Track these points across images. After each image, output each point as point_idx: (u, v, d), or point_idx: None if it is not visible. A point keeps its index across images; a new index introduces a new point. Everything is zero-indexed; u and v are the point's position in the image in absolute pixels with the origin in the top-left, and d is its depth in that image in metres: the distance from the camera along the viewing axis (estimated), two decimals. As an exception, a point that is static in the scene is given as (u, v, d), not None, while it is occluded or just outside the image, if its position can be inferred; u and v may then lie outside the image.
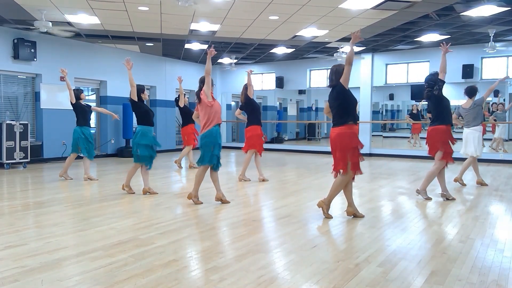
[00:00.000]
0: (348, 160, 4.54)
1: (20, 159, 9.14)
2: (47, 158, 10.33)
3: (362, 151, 4.69)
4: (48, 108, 10.42)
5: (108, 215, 4.88)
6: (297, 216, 4.87)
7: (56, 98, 10.55)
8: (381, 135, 16.91)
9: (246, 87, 7.42)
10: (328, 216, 4.77)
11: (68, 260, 3.31)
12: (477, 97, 6.97)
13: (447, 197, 5.80)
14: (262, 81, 15.36)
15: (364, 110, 12.96)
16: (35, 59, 9.98)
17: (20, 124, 9.17)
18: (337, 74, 4.62)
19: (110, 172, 8.92)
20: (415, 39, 10.65)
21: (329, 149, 4.92)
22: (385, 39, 10.66)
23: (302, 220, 4.71)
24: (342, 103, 4.59)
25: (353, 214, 4.79)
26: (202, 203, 5.51)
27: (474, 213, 5.08)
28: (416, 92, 13.48)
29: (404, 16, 8.22)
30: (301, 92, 19.21)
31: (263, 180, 7.52)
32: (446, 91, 6.27)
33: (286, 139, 18.35)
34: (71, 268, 3.16)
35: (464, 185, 7.14)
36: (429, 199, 5.82)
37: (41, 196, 6.25)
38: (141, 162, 6.16)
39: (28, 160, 9.31)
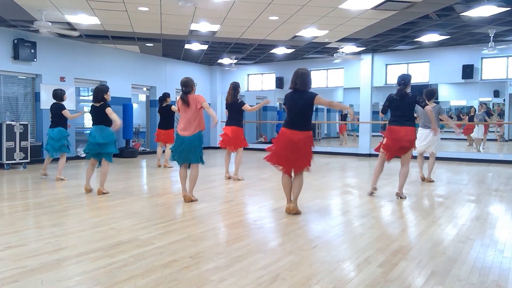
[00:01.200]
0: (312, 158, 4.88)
1: (20, 159, 9.15)
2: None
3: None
4: (48, 108, 10.36)
5: (108, 215, 4.88)
6: (297, 216, 4.87)
7: (56, 98, 10.53)
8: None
9: (234, 87, 7.47)
10: (299, 212, 4.97)
11: (68, 261, 3.31)
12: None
13: (373, 192, 6.20)
14: (262, 81, 15.37)
15: (364, 110, 12.97)
16: (35, 60, 9.98)
17: (20, 124, 9.17)
18: (302, 77, 4.80)
19: (110, 172, 8.87)
20: (415, 39, 10.65)
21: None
22: (385, 40, 10.66)
23: (302, 220, 4.71)
24: (311, 112, 4.86)
25: (296, 211, 4.96)
26: (197, 199, 5.68)
27: (474, 213, 5.08)
28: (417, 92, 13.52)
29: (404, 16, 8.22)
30: (301, 92, 19.19)
31: (229, 178, 7.68)
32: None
33: (286, 139, 18.29)
34: (71, 268, 3.16)
35: (432, 181, 7.53)
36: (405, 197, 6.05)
37: (41, 196, 6.25)
38: (108, 159, 6.25)
39: (28, 160, 9.31)
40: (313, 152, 4.86)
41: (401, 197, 5.96)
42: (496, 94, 16.45)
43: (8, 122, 9.02)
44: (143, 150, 13.10)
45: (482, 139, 13.61)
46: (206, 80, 15.71)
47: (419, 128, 7.49)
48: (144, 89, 13.69)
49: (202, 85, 15.52)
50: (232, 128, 7.53)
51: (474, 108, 13.22)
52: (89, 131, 12.36)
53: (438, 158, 11.43)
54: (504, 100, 16.34)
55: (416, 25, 9.04)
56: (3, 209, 5.22)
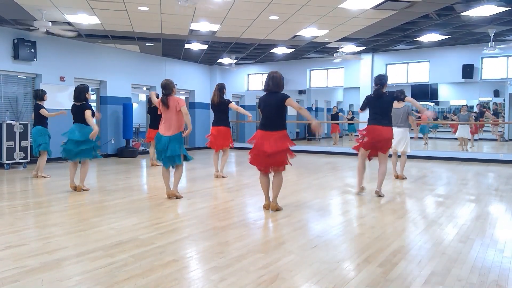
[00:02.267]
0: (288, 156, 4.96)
1: (20, 159, 9.15)
2: (47, 158, 10.27)
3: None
4: (47, 108, 10.33)
5: (108, 215, 4.88)
6: (297, 216, 4.87)
7: (56, 98, 10.53)
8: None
9: (220, 88, 7.64)
10: (280, 208, 5.10)
11: (68, 260, 3.31)
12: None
13: (360, 192, 6.30)
14: (262, 81, 15.34)
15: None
16: (35, 59, 9.98)
17: (20, 124, 9.17)
18: (274, 80, 4.94)
19: (110, 172, 8.92)
20: (415, 39, 10.65)
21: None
22: (385, 39, 10.66)
23: (302, 220, 4.71)
24: (284, 112, 5.01)
25: (276, 208, 5.06)
26: (182, 196, 5.86)
27: (474, 213, 5.08)
28: (417, 92, 13.50)
29: (404, 16, 8.22)
30: (301, 92, 19.18)
31: (220, 177, 7.91)
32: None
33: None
34: (71, 268, 3.16)
35: (405, 178, 7.79)
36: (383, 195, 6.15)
37: (41, 196, 6.25)
38: (88, 157, 6.33)
39: (28, 160, 9.30)
40: (293, 150, 4.97)
41: (379, 195, 6.07)
42: (496, 93, 16.42)
43: (8, 122, 9.02)
44: (143, 149, 13.10)
45: (470, 139, 13.59)
46: (206, 80, 15.71)
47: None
48: (144, 88, 13.69)
49: (202, 84, 15.53)
50: (218, 129, 7.71)
51: (466, 106, 13.17)
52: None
53: (438, 158, 11.52)
54: (504, 100, 16.32)
55: (416, 24, 9.04)
56: (3, 209, 5.21)
